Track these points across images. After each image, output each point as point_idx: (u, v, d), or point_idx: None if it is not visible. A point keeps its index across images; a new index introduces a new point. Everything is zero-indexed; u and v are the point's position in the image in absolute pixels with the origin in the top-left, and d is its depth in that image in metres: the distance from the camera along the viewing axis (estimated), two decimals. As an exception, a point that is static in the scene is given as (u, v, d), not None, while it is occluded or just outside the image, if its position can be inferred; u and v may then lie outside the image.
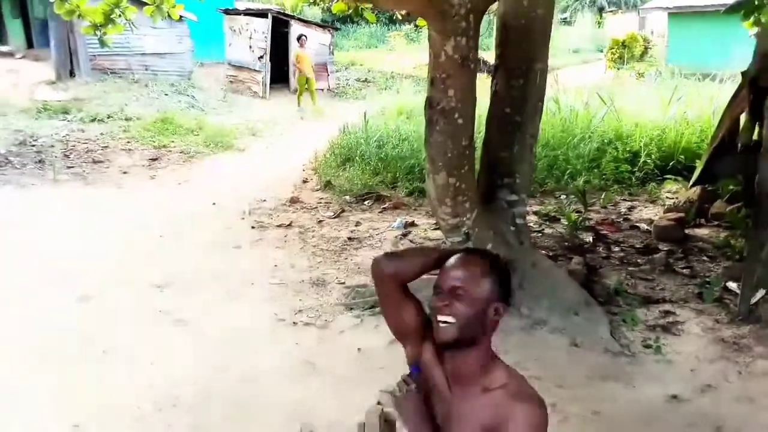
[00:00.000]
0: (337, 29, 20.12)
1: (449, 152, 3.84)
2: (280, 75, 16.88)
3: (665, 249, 5.51)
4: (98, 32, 5.39)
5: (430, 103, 3.80)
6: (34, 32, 17.64)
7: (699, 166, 7.03)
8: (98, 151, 9.41)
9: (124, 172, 8.56)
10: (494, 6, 4.47)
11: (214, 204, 7.26)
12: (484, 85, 4.47)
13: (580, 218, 6.33)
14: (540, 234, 6.06)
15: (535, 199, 7.09)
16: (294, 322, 4.39)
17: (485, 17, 4.23)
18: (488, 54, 8.59)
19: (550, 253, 5.41)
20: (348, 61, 21.02)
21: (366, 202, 7.28)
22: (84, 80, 13.72)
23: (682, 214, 6.15)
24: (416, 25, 21.78)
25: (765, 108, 4.60)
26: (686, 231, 5.94)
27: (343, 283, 5.02)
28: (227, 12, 17.23)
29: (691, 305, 4.49)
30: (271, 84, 16.20)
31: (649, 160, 7.80)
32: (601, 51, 23.08)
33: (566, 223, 6.19)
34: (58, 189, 7.63)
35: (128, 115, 11.38)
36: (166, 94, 13.79)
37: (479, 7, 3.64)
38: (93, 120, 10.93)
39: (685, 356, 3.85)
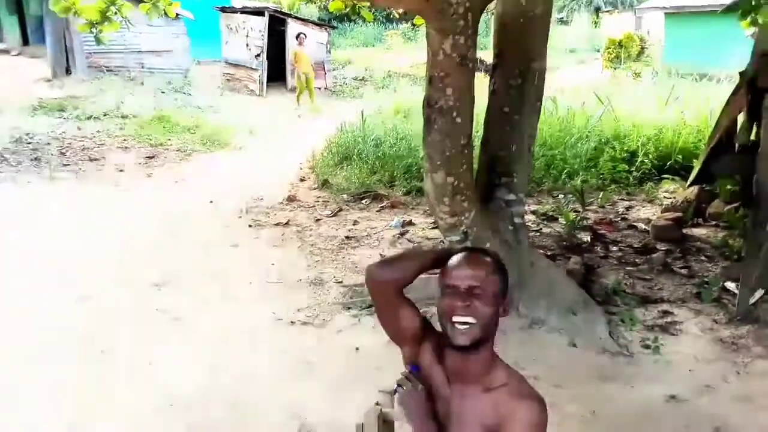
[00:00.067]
0: (334, 28, 20.08)
1: (447, 151, 3.82)
2: (277, 73, 16.84)
3: (663, 249, 5.51)
4: (94, 30, 5.35)
5: (428, 102, 3.78)
6: (29, 29, 17.58)
7: (696, 166, 7.04)
8: (94, 149, 9.37)
9: (121, 170, 8.52)
10: (492, 5, 4.45)
11: (211, 202, 7.23)
12: (481, 84, 4.46)
13: (578, 218, 6.33)
14: (538, 233, 6.05)
15: (533, 199, 7.08)
16: (292, 322, 4.37)
17: (482, 16, 4.22)
18: (485, 53, 8.59)
19: (548, 253, 5.40)
20: (345, 59, 20.99)
21: (364, 201, 7.26)
22: (80, 78, 13.68)
23: (679, 214, 6.15)
24: (413, 24, 21.76)
25: (763, 108, 4.60)
26: (684, 231, 5.94)
27: (341, 282, 5.00)
28: (224, 10, 17.18)
29: (690, 305, 4.49)
30: (268, 82, 16.17)
31: (646, 160, 7.81)
32: (598, 51, 23.08)
33: (564, 222, 6.19)
34: (54, 187, 7.59)
35: (124, 113, 11.33)
36: (162, 92, 13.74)
37: (478, 5, 3.62)
38: (89, 118, 10.88)
39: (684, 356, 3.85)
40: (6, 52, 16.65)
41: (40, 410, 3.34)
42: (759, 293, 4.33)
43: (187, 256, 5.59)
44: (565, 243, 5.74)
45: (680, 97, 9.89)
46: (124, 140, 9.90)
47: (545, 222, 6.47)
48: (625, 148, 8.04)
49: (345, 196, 7.41)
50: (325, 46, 17.33)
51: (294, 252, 5.76)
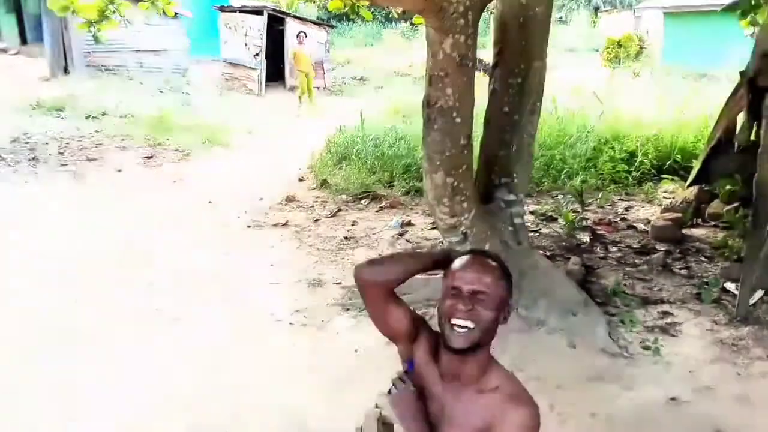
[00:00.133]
0: (332, 27, 20.06)
1: (447, 151, 3.80)
2: (275, 72, 16.83)
3: (663, 249, 5.50)
4: (93, 29, 5.33)
5: (428, 102, 3.76)
6: (27, 28, 17.56)
7: (696, 166, 7.04)
8: (92, 148, 9.33)
9: (119, 170, 8.49)
10: (492, 4, 4.44)
11: (209, 202, 7.21)
12: (481, 83, 4.45)
13: (578, 218, 6.31)
14: (537, 234, 6.03)
15: (532, 199, 7.07)
16: (291, 323, 4.36)
17: (482, 15, 4.20)
18: (484, 52, 8.57)
19: (548, 253, 5.39)
20: (344, 59, 20.97)
21: (362, 201, 7.24)
22: (78, 77, 13.63)
23: (679, 215, 6.14)
24: (412, 23, 21.74)
25: (763, 108, 4.59)
26: (683, 231, 5.93)
27: (340, 283, 4.98)
28: (223, 9, 17.17)
29: (689, 306, 4.47)
30: (266, 81, 16.16)
31: (645, 160, 7.80)
32: (597, 50, 23.07)
33: (563, 222, 6.18)
34: (51, 187, 7.56)
35: (123, 112, 11.29)
36: (161, 92, 13.71)
37: (478, 4, 3.60)
38: (87, 117, 10.84)
39: (684, 358, 3.84)
40: (4, 51, 16.62)
41: (40, 410, 3.33)
42: (759, 294, 4.32)
43: (185, 256, 5.57)
44: (564, 243, 5.73)
45: (679, 96, 9.87)
46: (123, 140, 9.86)
47: (544, 222, 6.45)
48: (624, 148, 8.03)
49: (344, 196, 7.39)
50: (324, 45, 17.32)
51: (293, 252, 5.74)
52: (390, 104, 13.04)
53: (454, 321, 1.57)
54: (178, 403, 3.39)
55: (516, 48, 4.29)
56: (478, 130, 4.45)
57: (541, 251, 5.23)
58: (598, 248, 5.65)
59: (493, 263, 1.65)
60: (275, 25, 16.63)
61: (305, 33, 14.88)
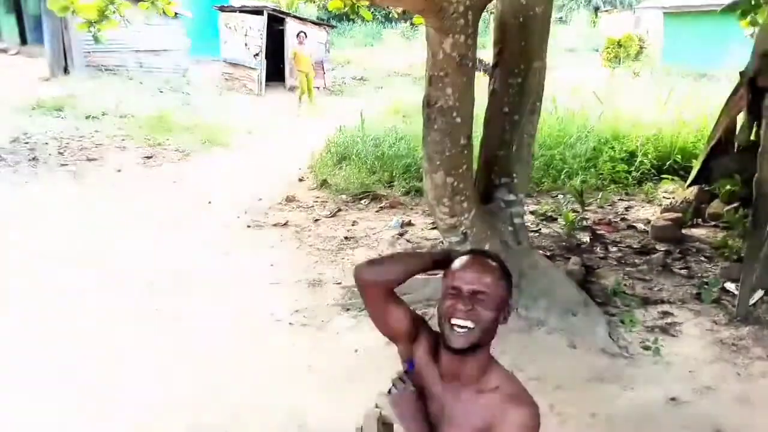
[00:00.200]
0: (333, 27, 20.06)
1: (447, 151, 3.80)
2: (275, 72, 16.83)
3: (663, 249, 5.50)
4: (93, 29, 5.33)
5: (428, 102, 3.76)
6: (27, 28, 17.56)
7: (696, 166, 7.04)
8: (92, 148, 9.33)
9: (119, 170, 8.49)
10: (492, 4, 4.43)
11: (209, 203, 7.20)
12: (481, 83, 4.45)
13: (578, 218, 6.31)
14: (537, 234, 6.03)
15: (532, 199, 7.07)
16: (290, 323, 4.36)
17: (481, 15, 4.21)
18: (483, 52, 8.57)
19: (548, 253, 5.39)
20: (344, 59, 20.97)
21: (362, 201, 7.24)
22: (78, 77, 13.62)
23: (679, 215, 6.13)
24: (412, 23, 21.73)
25: (764, 108, 4.58)
26: (683, 231, 5.93)
27: (340, 283, 4.98)
28: (223, 9, 17.17)
29: (689, 306, 4.47)
30: (266, 81, 16.16)
31: (645, 160, 7.80)
32: (596, 50, 23.07)
33: (563, 222, 6.17)
34: (51, 187, 7.56)
35: (123, 112, 11.28)
36: (161, 91, 13.71)
37: (478, 4, 3.60)
38: (87, 117, 10.83)
39: (684, 358, 3.84)
40: (4, 51, 16.62)
41: (39, 410, 3.32)
42: (758, 294, 4.32)
43: (185, 256, 5.57)
44: (564, 243, 5.73)
45: (679, 96, 9.87)
46: (123, 140, 9.86)
47: (544, 222, 6.45)
48: (624, 148, 8.03)
49: (344, 196, 7.39)
50: (324, 45, 17.32)
51: (293, 253, 5.74)
52: (390, 104, 13.04)
53: (453, 321, 1.57)
54: (178, 403, 3.39)
55: (516, 48, 4.29)
56: (478, 130, 4.45)
57: (541, 251, 5.23)
58: (598, 248, 5.64)
59: (493, 263, 1.65)
60: (275, 25, 16.63)
61: (305, 33, 14.87)
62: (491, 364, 1.65)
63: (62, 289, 4.79)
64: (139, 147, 9.58)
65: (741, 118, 6.55)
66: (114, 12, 5.25)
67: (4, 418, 3.26)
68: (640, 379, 3.62)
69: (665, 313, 4.37)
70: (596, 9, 31.42)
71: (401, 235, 6.13)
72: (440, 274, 1.74)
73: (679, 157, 7.89)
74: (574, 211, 6.59)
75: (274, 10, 16.26)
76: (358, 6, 7.03)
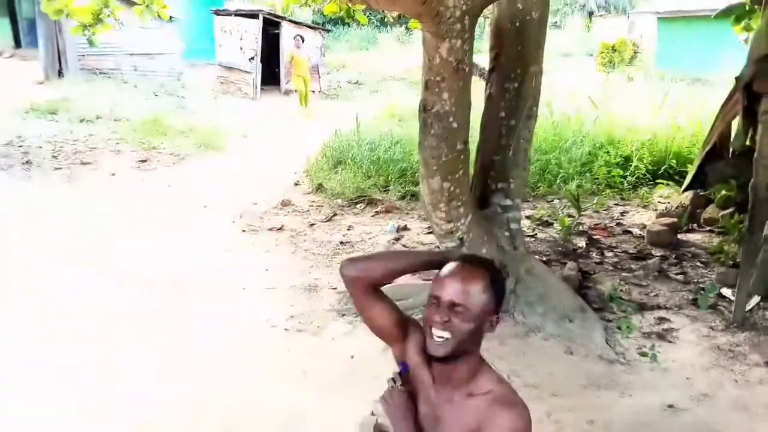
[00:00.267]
0: (328, 31, 20.07)
1: (444, 156, 3.78)
2: (270, 76, 16.82)
3: (658, 254, 5.50)
4: (87, 32, 5.30)
5: (424, 107, 3.74)
6: (21, 31, 17.47)
7: (691, 171, 7.05)
8: (86, 152, 9.27)
9: (113, 174, 8.44)
10: (488, 9, 4.43)
11: (204, 207, 7.17)
12: (477, 88, 4.44)
13: (574, 223, 6.30)
14: (533, 239, 6.03)
15: (528, 204, 7.06)
16: (286, 328, 4.32)
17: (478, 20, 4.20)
18: (478, 57, 8.57)
19: (544, 258, 5.38)
20: (339, 63, 20.97)
21: (358, 206, 7.22)
22: (72, 80, 13.57)
23: (674, 220, 6.14)
24: (407, 28, 21.73)
25: (759, 113, 4.58)
26: (679, 236, 5.93)
27: (335, 288, 4.95)
28: (218, 13, 17.15)
29: (686, 312, 4.46)
30: (261, 85, 16.14)
31: (640, 165, 7.82)
32: (591, 55, 23.18)
33: (559, 227, 6.17)
34: (45, 190, 7.50)
35: (117, 116, 11.24)
36: (155, 95, 13.66)
37: (475, 9, 3.59)
38: (81, 120, 10.78)
39: (681, 364, 3.83)
40: (-2, 54, 16.54)
41: (40, 410, 3.30)
42: (755, 300, 4.32)
43: (179, 260, 5.53)
44: (560, 248, 5.72)
45: (673, 101, 9.90)
46: (117, 143, 9.81)
47: (540, 227, 6.44)
48: (619, 153, 8.05)
49: (339, 200, 7.37)
50: (319, 49, 17.32)
51: (288, 257, 5.71)
52: (385, 108, 13.04)
53: (433, 330, 1.59)
54: (173, 409, 3.35)
55: (512, 53, 4.28)
56: (474, 135, 4.44)
57: (537, 256, 5.22)
58: (594, 253, 5.64)
59: (480, 273, 1.63)
60: (270, 29, 16.63)
61: (302, 37, 14.86)
62: (482, 367, 1.67)
63: (62, 289, 4.76)
64: (134, 151, 9.54)
65: (736, 123, 6.58)
66: (108, 15, 5.23)
67: (4, 418, 3.23)
68: (638, 385, 3.61)
69: (662, 319, 4.36)
70: (590, 14, 31.56)
71: (397, 239, 6.11)
72: None
73: (674, 161, 7.92)
74: (569, 216, 6.59)
75: (269, 14, 16.25)
76: (353, 10, 7.02)
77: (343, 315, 4.49)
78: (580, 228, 6.26)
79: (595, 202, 7.15)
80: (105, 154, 9.23)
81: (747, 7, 6.93)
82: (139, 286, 4.94)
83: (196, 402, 3.44)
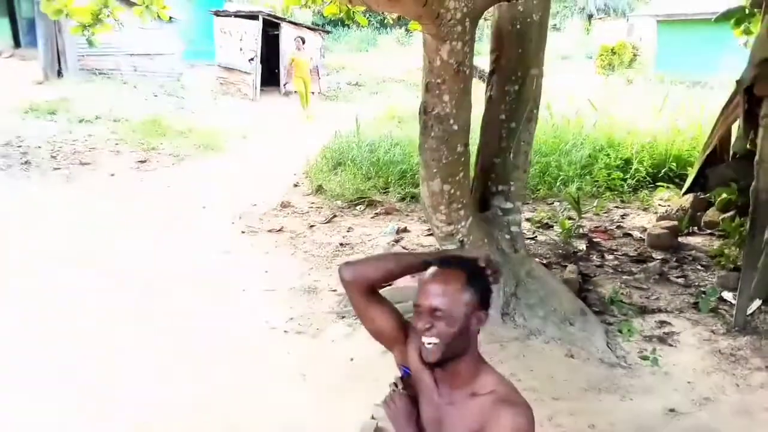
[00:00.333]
0: (327, 32, 20.06)
1: (444, 159, 3.77)
2: (270, 77, 16.81)
3: (659, 257, 5.48)
4: (86, 32, 5.28)
5: (424, 109, 3.73)
6: (21, 31, 17.44)
7: (691, 173, 7.05)
8: (86, 152, 9.25)
9: (112, 175, 8.42)
10: (488, 11, 4.42)
11: (203, 208, 7.15)
12: (477, 90, 4.43)
13: (574, 225, 6.29)
14: (533, 241, 6.01)
15: (528, 206, 7.05)
16: (285, 331, 4.30)
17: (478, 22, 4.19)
18: (479, 59, 8.56)
19: (544, 261, 5.37)
20: (339, 64, 20.95)
21: (358, 208, 7.20)
22: (72, 80, 13.55)
23: (675, 223, 6.13)
24: (407, 29, 21.75)
25: (760, 116, 4.58)
26: (679, 239, 5.92)
27: (335, 290, 4.93)
28: (218, 14, 17.14)
29: (687, 315, 4.45)
30: (261, 86, 16.12)
31: (640, 168, 7.81)
32: (590, 58, 23.19)
33: (560, 230, 6.15)
34: (44, 191, 7.48)
35: (116, 116, 11.21)
36: (155, 96, 13.64)
37: (475, 11, 3.58)
38: (81, 121, 10.76)
39: (682, 368, 3.81)
40: (-3, 54, 16.51)
41: (40, 410, 3.29)
42: (756, 303, 4.30)
43: (179, 262, 5.51)
44: (560, 251, 5.71)
45: (673, 104, 9.91)
46: (116, 144, 9.79)
47: (540, 230, 6.43)
48: (619, 156, 8.05)
49: (339, 202, 7.35)
50: (319, 50, 17.32)
51: (287, 259, 5.69)
52: (385, 110, 13.03)
53: (423, 338, 1.61)
54: (173, 409, 3.34)
55: (513, 55, 4.28)
56: (475, 138, 4.43)
57: (537, 259, 5.21)
58: (595, 256, 5.62)
59: (455, 273, 1.63)
60: (270, 30, 16.62)
61: (303, 39, 14.84)
62: (482, 367, 1.67)
63: (62, 289, 4.75)
64: (133, 151, 9.52)
65: (736, 127, 6.57)
66: (108, 16, 5.21)
67: (4, 418, 3.22)
68: (639, 389, 3.59)
69: (663, 323, 4.35)
70: (590, 16, 31.56)
71: (397, 241, 6.09)
72: None
73: (675, 164, 7.91)
74: (570, 218, 6.57)
75: (269, 15, 16.24)
76: (353, 11, 7.01)
77: (343, 317, 4.47)
78: (581, 231, 6.25)
79: (595, 204, 7.13)
80: (104, 155, 9.22)
81: (747, 11, 6.94)
82: (139, 287, 4.93)
83: (196, 402, 3.43)
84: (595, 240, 6.00)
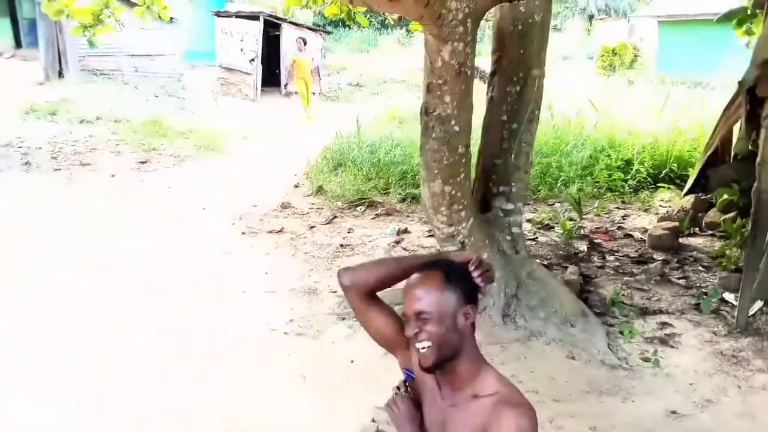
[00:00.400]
0: (328, 33, 20.06)
1: (445, 160, 3.76)
2: (271, 78, 16.81)
3: (660, 258, 5.47)
4: (87, 33, 5.28)
5: (426, 110, 3.73)
6: (22, 32, 17.46)
7: (692, 174, 7.04)
8: (86, 153, 9.25)
9: (113, 175, 8.41)
10: (490, 12, 4.41)
11: (204, 209, 7.14)
12: (478, 91, 4.42)
13: (575, 226, 6.28)
14: (534, 242, 6.00)
15: (529, 207, 7.04)
16: (285, 332, 4.29)
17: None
18: (479, 60, 8.55)
19: (545, 262, 5.35)
20: (339, 65, 20.95)
21: (358, 208, 7.19)
22: (73, 81, 13.56)
23: (676, 223, 6.12)
24: (408, 30, 21.75)
25: (762, 117, 4.57)
26: (680, 240, 5.91)
27: (335, 291, 4.91)
28: (219, 14, 17.14)
29: (688, 317, 4.44)
30: (262, 87, 16.12)
31: (641, 168, 7.80)
32: (591, 58, 23.18)
33: (561, 231, 6.14)
34: (44, 191, 7.47)
35: (117, 117, 11.22)
36: (156, 96, 13.65)
37: (477, 12, 3.57)
38: (81, 121, 10.77)
39: (684, 370, 3.80)
40: (-2, 54, 16.52)
41: (40, 410, 3.29)
42: (758, 305, 4.29)
43: (179, 262, 5.50)
44: (561, 252, 5.69)
45: (674, 105, 9.89)
46: (117, 145, 9.79)
47: (541, 231, 6.42)
48: (620, 156, 8.03)
49: (339, 203, 7.34)
50: (320, 51, 17.31)
51: (288, 260, 5.68)
52: (386, 110, 13.02)
53: (416, 345, 1.63)
54: (172, 411, 3.33)
55: (514, 56, 4.27)
56: (476, 139, 4.42)
57: (538, 260, 5.20)
58: (596, 257, 5.61)
59: (433, 274, 1.64)
60: (271, 30, 16.62)
61: (304, 40, 14.83)
62: (483, 367, 1.67)
63: (62, 289, 4.75)
64: (134, 152, 9.52)
65: (737, 128, 6.56)
66: (109, 16, 5.21)
67: (4, 418, 3.22)
68: (640, 391, 3.58)
69: (664, 324, 4.33)
70: (591, 17, 31.55)
71: (397, 242, 6.08)
72: None
73: (675, 165, 7.90)
74: (571, 219, 6.56)
75: (270, 15, 16.24)
76: (354, 12, 7.01)
77: (343, 319, 4.46)
78: (582, 232, 6.24)
79: (596, 205, 7.12)
80: (105, 155, 9.21)
81: (748, 11, 6.93)
82: (139, 287, 4.92)
83: (196, 402, 3.42)
84: (596, 241, 5.99)
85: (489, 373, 1.65)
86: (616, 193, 7.59)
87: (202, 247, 5.92)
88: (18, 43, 17.41)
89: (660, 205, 7.26)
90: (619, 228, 6.52)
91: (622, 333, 4.18)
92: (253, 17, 16.07)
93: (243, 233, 6.40)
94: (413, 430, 1.70)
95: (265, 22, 16.02)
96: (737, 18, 7.07)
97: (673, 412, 3.37)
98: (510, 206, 4.39)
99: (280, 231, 6.44)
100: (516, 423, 1.51)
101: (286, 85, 16.45)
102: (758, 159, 4.47)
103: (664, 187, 7.58)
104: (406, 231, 6.40)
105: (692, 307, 4.59)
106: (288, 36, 16.32)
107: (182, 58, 16.01)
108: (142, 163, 9.10)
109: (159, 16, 5.50)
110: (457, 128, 3.70)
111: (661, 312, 4.53)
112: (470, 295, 1.65)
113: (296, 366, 3.85)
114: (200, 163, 9.45)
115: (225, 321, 4.45)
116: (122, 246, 5.82)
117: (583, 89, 13.06)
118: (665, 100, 9.63)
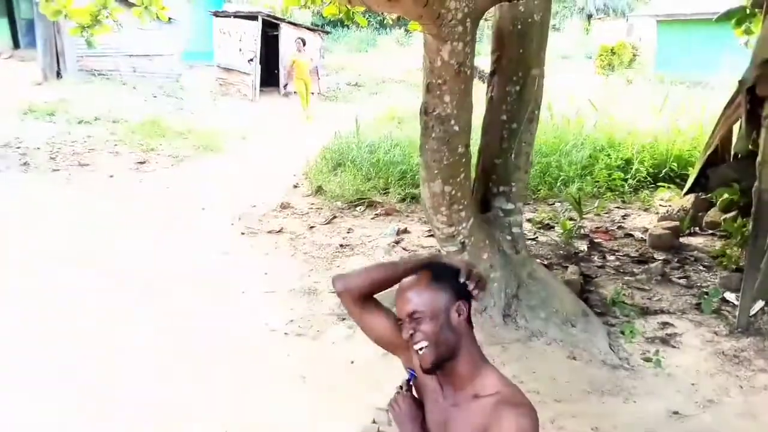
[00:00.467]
0: (327, 33, 20.04)
1: (445, 160, 3.75)
2: (269, 78, 16.78)
3: (661, 258, 5.47)
4: (85, 33, 5.26)
5: (425, 110, 3.71)
6: (20, 32, 17.42)
7: (692, 174, 7.03)
8: (85, 153, 9.23)
9: (111, 176, 8.39)
10: (489, 12, 4.40)
11: (203, 209, 7.12)
12: (478, 91, 4.41)
13: (575, 226, 6.27)
14: (534, 242, 5.99)
15: (528, 207, 7.03)
16: (285, 333, 4.28)
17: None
18: (479, 60, 8.54)
19: (546, 262, 5.34)
20: (338, 65, 20.92)
21: (358, 208, 7.18)
22: (71, 81, 13.53)
23: (676, 223, 6.11)
24: (407, 30, 21.74)
25: (762, 117, 4.56)
26: (681, 240, 5.90)
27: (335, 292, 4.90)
28: (217, 14, 17.12)
29: (689, 316, 4.43)
30: (260, 87, 16.10)
31: (641, 168, 7.79)
32: (590, 58, 23.18)
33: (561, 231, 6.13)
34: (43, 191, 7.45)
35: (115, 117, 11.19)
36: (154, 96, 13.62)
37: (476, 11, 3.56)
38: (80, 122, 10.74)
39: (685, 370, 3.79)
40: (-4, 55, 16.49)
41: (40, 410, 3.28)
42: (759, 305, 4.27)
43: (179, 263, 5.49)
44: (562, 252, 5.69)
45: (673, 104, 9.89)
46: (115, 145, 9.77)
47: (541, 231, 6.41)
48: (620, 156, 8.03)
49: (339, 203, 7.32)
50: (318, 51, 17.29)
51: (287, 260, 5.66)
52: (385, 110, 13.01)
53: (413, 347, 1.64)
54: (172, 411, 3.32)
55: (514, 55, 4.26)
56: (476, 138, 4.41)
57: (538, 260, 5.18)
58: (596, 257, 5.60)
59: (420, 274, 1.67)
60: (270, 30, 16.59)
61: (303, 40, 14.80)
62: (484, 367, 1.67)
63: (62, 289, 4.73)
64: (132, 152, 9.49)
65: (737, 127, 6.55)
66: (107, 16, 5.19)
67: (4, 418, 3.21)
68: (642, 391, 3.57)
69: (665, 324, 4.33)
70: (589, 16, 31.56)
71: (397, 242, 6.06)
72: None
73: (675, 165, 7.90)
74: (571, 219, 6.55)
75: (268, 15, 16.21)
76: (353, 12, 6.99)
77: (343, 319, 4.44)
78: (582, 231, 6.23)
79: (596, 205, 7.11)
80: (103, 156, 9.19)
81: (747, 11, 6.92)
82: (139, 287, 4.91)
83: (196, 402, 3.41)
84: (596, 241, 5.98)
85: (490, 373, 1.65)
86: (616, 193, 7.59)
87: (201, 248, 5.90)
88: (16, 44, 17.38)
89: (660, 205, 7.26)
90: (620, 227, 6.52)
91: (623, 333, 4.17)
92: (252, 17, 16.04)
93: (242, 233, 6.38)
94: (415, 429, 1.70)
95: (264, 22, 15.98)
96: (736, 17, 7.06)
97: (675, 413, 3.36)
98: (510, 206, 4.38)
99: (279, 231, 6.42)
100: (517, 423, 1.51)
101: (285, 86, 16.42)
102: (759, 158, 4.46)
103: (664, 186, 7.58)
104: (405, 231, 6.39)
105: (693, 306, 4.58)
106: (286, 36, 16.29)
107: (180, 58, 15.98)
108: (141, 163, 9.08)
109: (157, 17, 5.48)
110: (456, 128, 3.69)
111: (662, 312, 4.52)
112: (461, 291, 1.66)
113: (296, 366, 3.84)
114: (199, 164, 9.43)
115: (225, 321, 4.44)
116: (122, 246, 5.81)
117: (582, 89, 13.06)
118: (664, 100, 9.63)
